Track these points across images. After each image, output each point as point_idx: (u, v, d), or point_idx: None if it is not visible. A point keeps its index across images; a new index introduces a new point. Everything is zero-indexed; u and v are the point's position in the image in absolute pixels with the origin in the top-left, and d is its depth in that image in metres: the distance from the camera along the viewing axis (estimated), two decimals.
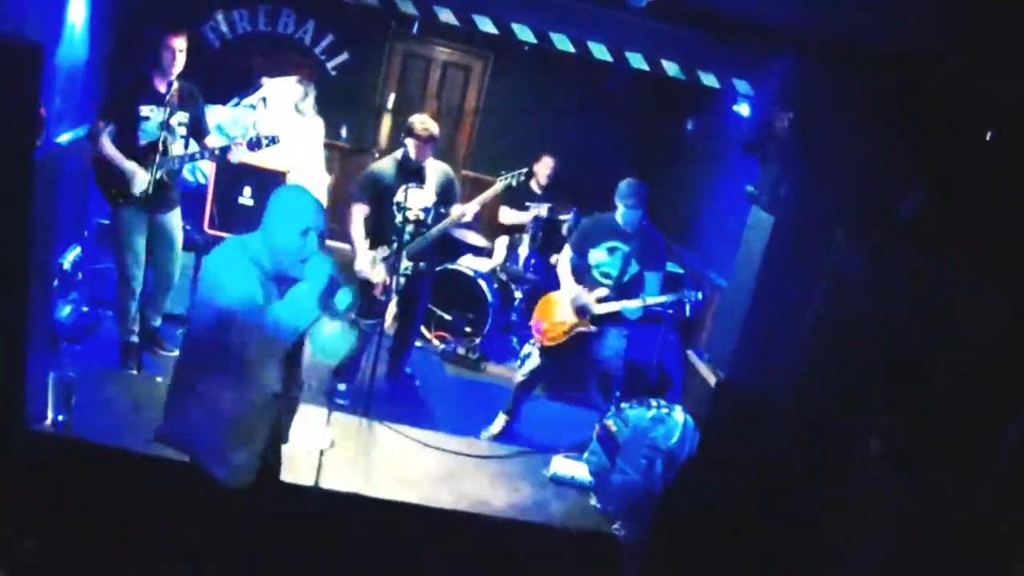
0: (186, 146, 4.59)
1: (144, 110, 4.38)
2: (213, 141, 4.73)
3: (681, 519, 3.93)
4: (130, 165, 4.38)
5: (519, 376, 5.04)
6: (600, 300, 4.73)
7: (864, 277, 3.87)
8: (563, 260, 4.99)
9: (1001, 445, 3.35)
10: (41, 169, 3.50)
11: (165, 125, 4.38)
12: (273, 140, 4.62)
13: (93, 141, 4.38)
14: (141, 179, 4.40)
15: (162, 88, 4.39)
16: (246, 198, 5.71)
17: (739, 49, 4.35)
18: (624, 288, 4.76)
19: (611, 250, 4.77)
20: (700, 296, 4.75)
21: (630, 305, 4.69)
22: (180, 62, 4.37)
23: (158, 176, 4.40)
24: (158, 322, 4.95)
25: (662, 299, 4.73)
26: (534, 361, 4.98)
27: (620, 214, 4.70)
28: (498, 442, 4.87)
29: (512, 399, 5.04)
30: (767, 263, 4.18)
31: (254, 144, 4.57)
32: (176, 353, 4.90)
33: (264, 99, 6.65)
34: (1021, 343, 3.41)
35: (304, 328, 2.89)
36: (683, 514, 3.94)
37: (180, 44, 4.34)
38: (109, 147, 4.36)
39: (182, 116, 4.50)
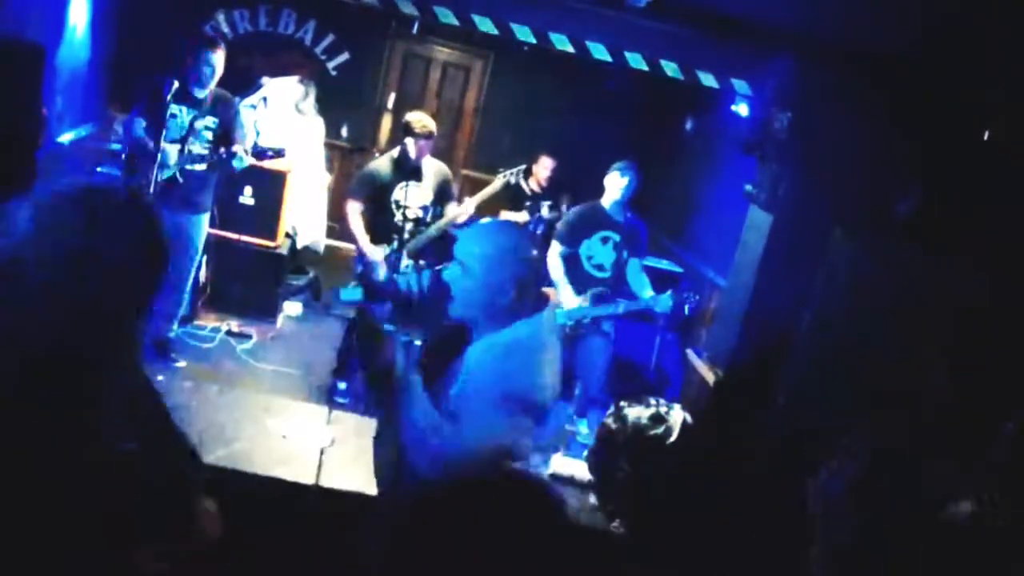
0: (213, 149, 4.58)
1: (174, 108, 4.42)
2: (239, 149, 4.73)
3: (680, 517, 3.94)
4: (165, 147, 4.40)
5: None
6: (599, 300, 4.71)
7: (862, 276, 3.88)
8: (554, 258, 4.80)
9: (998, 442, 3.36)
10: (43, 168, 3.53)
11: (190, 127, 4.42)
12: (279, 152, 4.64)
13: (128, 133, 4.41)
14: (159, 173, 4.42)
15: (195, 92, 4.44)
16: (247, 197, 5.74)
17: (738, 49, 4.37)
18: (617, 280, 4.76)
19: (604, 240, 4.76)
20: (697, 298, 4.70)
21: (630, 308, 4.67)
22: (218, 74, 4.45)
23: (169, 175, 4.41)
24: (173, 332, 4.91)
25: (656, 296, 4.66)
26: None
27: (608, 197, 4.73)
28: None
29: None
30: (766, 262, 4.20)
31: (259, 153, 4.59)
32: (184, 364, 4.92)
33: (265, 99, 6.67)
34: (1019, 340, 3.43)
35: None
36: (682, 512, 3.95)
37: (216, 59, 4.40)
38: (141, 131, 4.40)
39: (210, 120, 4.52)
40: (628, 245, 4.77)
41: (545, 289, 5.02)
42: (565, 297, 4.72)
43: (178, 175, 4.44)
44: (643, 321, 5.55)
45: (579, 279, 4.75)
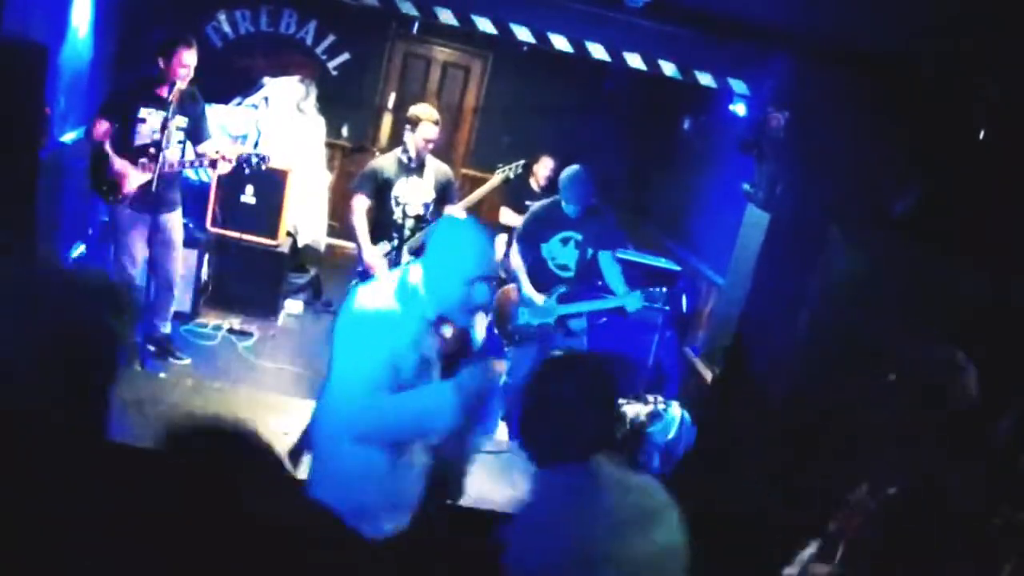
0: (183, 150, 4.59)
1: (143, 112, 4.40)
2: (210, 146, 4.73)
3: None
4: (121, 163, 4.39)
5: (502, 379, 5.02)
6: (563, 299, 4.66)
7: (859, 274, 3.91)
8: (515, 257, 4.76)
9: (994, 439, 3.39)
10: (46, 168, 3.55)
11: (163, 128, 4.39)
12: (263, 159, 4.63)
13: (90, 139, 4.42)
14: (133, 178, 4.42)
15: (163, 92, 4.41)
16: (248, 196, 5.78)
17: (735, 49, 4.39)
18: (583, 278, 4.70)
19: (564, 241, 4.67)
20: (664, 291, 4.62)
21: (603, 306, 4.67)
22: (190, 74, 4.41)
23: (145, 182, 4.40)
24: (167, 328, 4.90)
25: (636, 298, 4.58)
26: (509, 361, 4.94)
27: (564, 203, 4.62)
28: (497, 437, 4.92)
29: (504, 404, 5.04)
30: (763, 260, 4.23)
31: (244, 161, 4.58)
32: (188, 361, 4.94)
33: (266, 99, 6.71)
34: (1015, 338, 3.46)
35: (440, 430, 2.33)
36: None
37: (192, 59, 4.37)
38: (107, 145, 4.39)
39: (180, 120, 4.49)
40: (594, 241, 4.66)
41: (508, 286, 5.00)
42: (527, 291, 4.68)
43: (155, 181, 4.40)
44: (644, 318, 5.58)
45: (545, 280, 4.70)
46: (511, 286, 4.89)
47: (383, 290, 2.38)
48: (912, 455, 2.55)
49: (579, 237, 4.66)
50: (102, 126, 4.37)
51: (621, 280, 4.67)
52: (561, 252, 4.70)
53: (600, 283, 4.76)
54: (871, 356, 3.66)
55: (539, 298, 4.67)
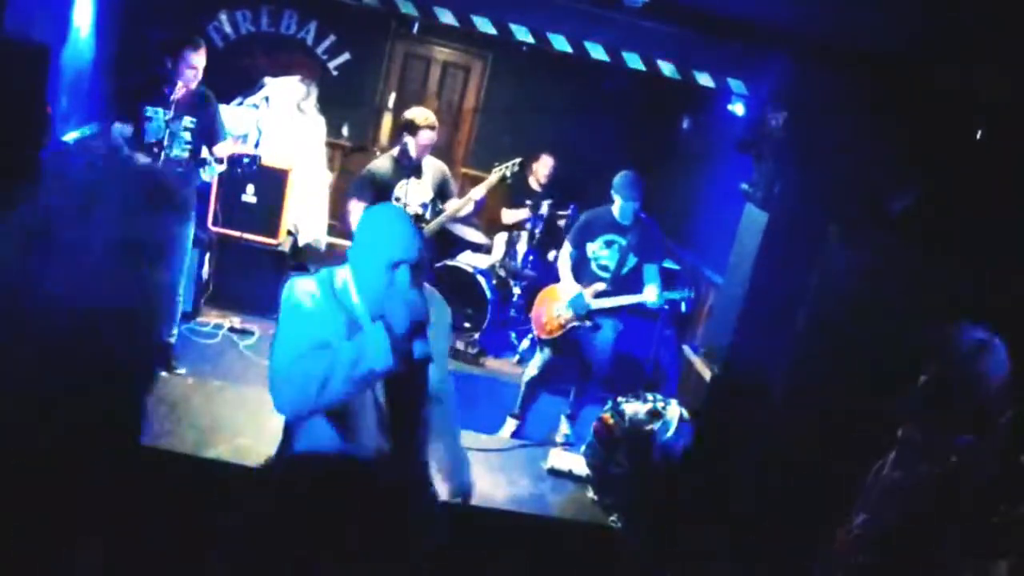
0: (191, 150, 4.56)
1: (149, 111, 4.40)
2: (225, 148, 4.69)
3: (677, 511, 3.99)
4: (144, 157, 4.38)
5: (530, 373, 5.10)
6: (597, 295, 4.82)
7: (857, 273, 3.93)
8: (563, 255, 5.08)
9: (994, 438, 3.40)
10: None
11: (166, 128, 4.37)
12: (254, 160, 4.61)
13: (106, 139, 4.41)
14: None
15: (168, 92, 4.40)
16: (249, 196, 5.79)
17: (734, 49, 4.40)
18: (622, 281, 4.86)
19: (608, 243, 4.89)
20: (691, 294, 4.85)
21: (626, 301, 4.79)
22: (199, 75, 4.38)
23: None
24: (173, 338, 4.81)
25: (659, 296, 4.78)
26: (541, 357, 5.05)
27: (617, 207, 4.82)
28: (496, 435, 4.94)
29: (521, 400, 5.10)
30: (761, 259, 4.24)
31: (234, 162, 4.56)
32: (184, 372, 4.89)
33: (267, 98, 6.72)
34: (1015, 337, 3.46)
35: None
36: (679, 506, 3.99)
37: (200, 60, 4.36)
38: (120, 137, 4.39)
39: (187, 120, 4.49)
40: (636, 248, 4.87)
41: (552, 286, 5.15)
42: (564, 288, 4.94)
43: None
44: (643, 317, 5.60)
45: (586, 278, 4.93)
46: (553, 285, 5.09)
47: (308, 285, 2.41)
48: (934, 438, 2.44)
49: (623, 242, 4.87)
50: (120, 127, 4.35)
51: (659, 289, 4.85)
52: (603, 254, 4.91)
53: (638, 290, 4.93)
54: (870, 354, 3.69)
55: (571, 291, 4.88)
